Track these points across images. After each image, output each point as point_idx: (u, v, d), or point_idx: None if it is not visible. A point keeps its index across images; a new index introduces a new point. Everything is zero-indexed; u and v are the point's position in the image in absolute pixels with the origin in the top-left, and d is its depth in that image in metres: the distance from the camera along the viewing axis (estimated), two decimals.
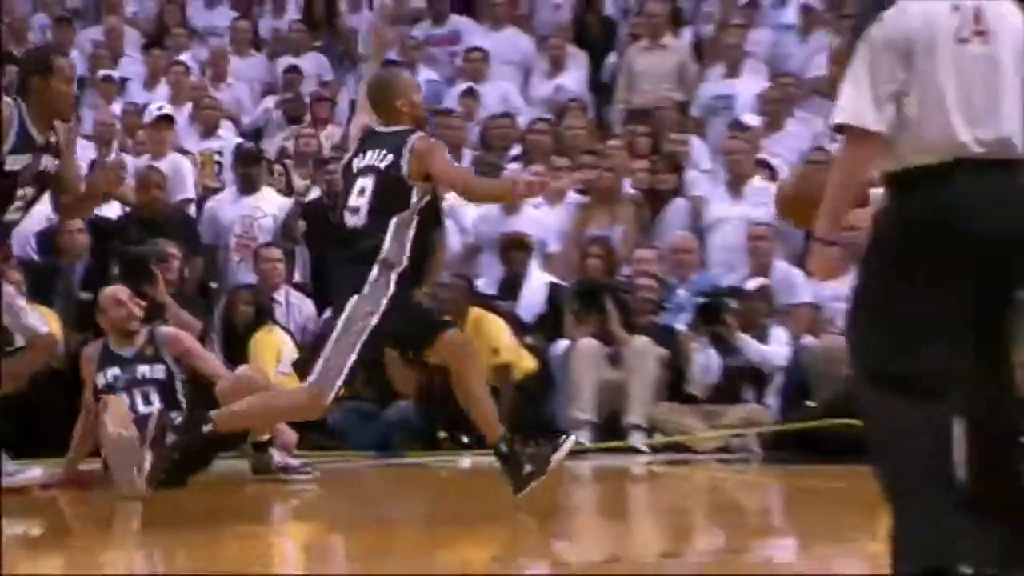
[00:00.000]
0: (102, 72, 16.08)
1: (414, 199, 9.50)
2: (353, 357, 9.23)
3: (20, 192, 9.61)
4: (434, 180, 9.55)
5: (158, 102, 15.51)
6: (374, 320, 9.16)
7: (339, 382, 9.27)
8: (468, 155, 14.63)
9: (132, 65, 16.72)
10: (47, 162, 9.61)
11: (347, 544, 9.25)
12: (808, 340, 12.41)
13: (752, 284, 12.62)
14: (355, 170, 9.68)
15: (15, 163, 9.33)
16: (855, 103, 5.77)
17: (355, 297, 9.47)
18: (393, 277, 9.31)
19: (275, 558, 9.03)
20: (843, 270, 6.72)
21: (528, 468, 9.26)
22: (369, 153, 9.69)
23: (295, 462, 11.05)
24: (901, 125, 5.80)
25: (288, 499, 10.71)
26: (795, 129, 14.55)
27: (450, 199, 10.71)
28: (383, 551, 8.62)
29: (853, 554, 6.15)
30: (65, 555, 9.17)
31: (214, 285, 13.55)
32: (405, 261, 9.35)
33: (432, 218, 9.72)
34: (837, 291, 11.89)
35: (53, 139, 9.65)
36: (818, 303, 12.63)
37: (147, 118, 15.00)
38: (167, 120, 14.64)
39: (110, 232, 13.15)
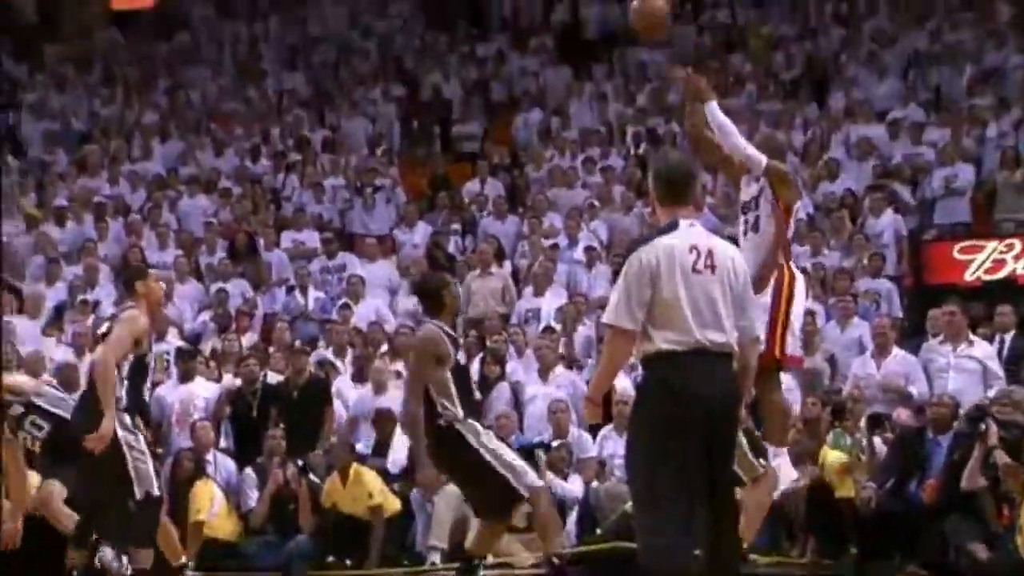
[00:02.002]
0: (80, 297, 15.92)
1: None
2: None
3: None
4: None
5: None
6: None
7: None
8: (350, 351, 14.57)
9: (103, 291, 16.49)
10: None
11: None
12: (595, 484, 12.36)
13: (555, 443, 12.58)
14: None
15: None
16: (616, 310, 6.12)
17: None
18: None
19: None
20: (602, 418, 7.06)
21: None
22: None
23: None
24: (656, 324, 6.07)
25: None
26: (585, 331, 14.47)
27: None
28: None
29: None
30: None
31: (160, 450, 13.31)
32: None
33: None
34: (616, 449, 11.93)
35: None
36: (602, 458, 12.50)
37: None
38: None
39: None
